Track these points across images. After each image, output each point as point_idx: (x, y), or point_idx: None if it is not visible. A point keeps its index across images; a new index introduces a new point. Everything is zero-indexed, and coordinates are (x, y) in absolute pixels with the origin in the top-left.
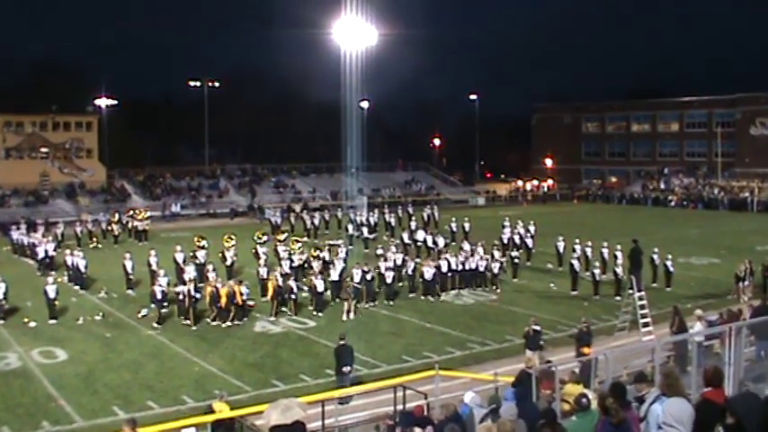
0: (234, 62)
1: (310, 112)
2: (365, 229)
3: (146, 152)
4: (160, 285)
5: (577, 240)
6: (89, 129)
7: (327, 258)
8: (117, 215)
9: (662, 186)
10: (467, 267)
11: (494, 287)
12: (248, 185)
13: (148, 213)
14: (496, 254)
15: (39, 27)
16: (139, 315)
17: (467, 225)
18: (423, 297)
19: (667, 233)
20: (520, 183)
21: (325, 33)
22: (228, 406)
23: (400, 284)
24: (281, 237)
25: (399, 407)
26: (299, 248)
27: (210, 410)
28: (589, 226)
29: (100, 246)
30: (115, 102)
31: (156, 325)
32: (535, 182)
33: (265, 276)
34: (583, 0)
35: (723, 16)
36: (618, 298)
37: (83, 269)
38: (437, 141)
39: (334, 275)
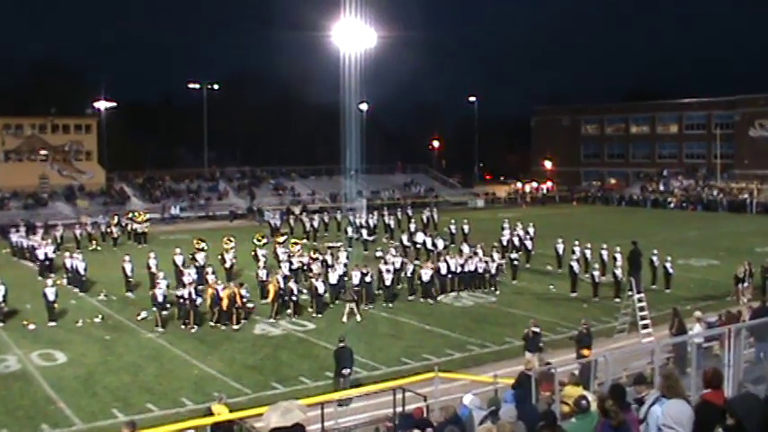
0: (233, 64)
1: (310, 115)
2: (364, 232)
3: (145, 154)
4: (160, 288)
5: (577, 242)
6: (88, 131)
7: (330, 262)
8: (116, 218)
9: (661, 188)
10: (466, 269)
11: (492, 289)
12: (247, 188)
13: (148, 216)
14: (495, 256)
15: (39, 27)
16: (139, 318)
17: (466, 227)
18: (422, 299)
19: (667, 235)
20: (519, 185)
21: (324, 35)
22: (228, 408)
23: (399, 287)
24: (281, 239)
25: (399, 409)
26: (298, 251)
27: (210, 413)
28: (588, 228)
29: (99, 248)
30: (114, 104)
31: (160, 329)
32: (534, 184)
33: (265, 279)
34: (583, 0)
35: (723, 16)
36: (617, 300)
37: (82, 272)
38: (436, 143)
39: (333, 278)
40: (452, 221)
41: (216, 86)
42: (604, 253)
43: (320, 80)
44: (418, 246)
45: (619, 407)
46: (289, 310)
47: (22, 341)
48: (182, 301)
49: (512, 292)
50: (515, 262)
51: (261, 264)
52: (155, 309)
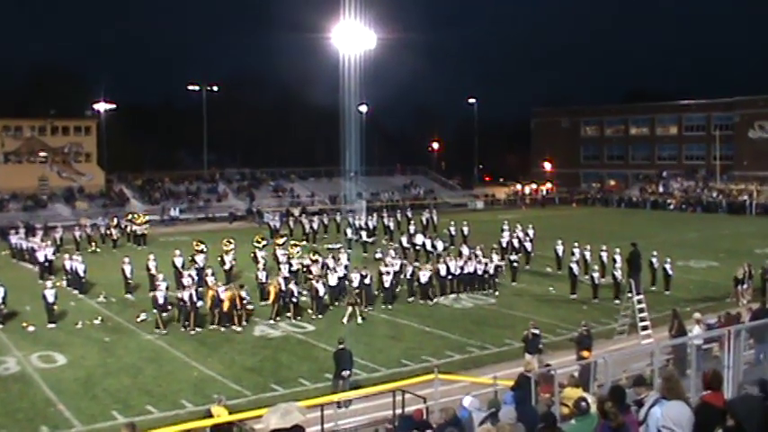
0: (233, 66)
1: (309, 116)
2: (364, 233)
3: (145, 156)
4: (161, 290)
5: (576, 244)
6: (88, 133)
7: (331, 264)
8: (116, 219)
9: (661, 190)
10: (466, 271)
11: (491, 290)
12: (247, 189)
13: (147, 218)
14: (495, 257)
15: (38, 28)
16: (138, 319)
17: (465, 229)
18: (421, 301)
19: (666, 236)
20: (519, 186)
21: (324, 37)
22: (227, 410)
23: (398, 288)
24: (280, 241)
25: (398, 411)
26: (298, 253)
27: (209, 415)
28: (588, 229)
29: (99, 250)
30: (114, 106)
31: (162, 331)
32: (534, 185)
33: (264, 280)
34: (583, 0)
35: (723, 17)
36: (617, 301)
37: (82, 273)
38: (436, 145)
39: (333, 281)
40: (452, 223)
41: (215, 88)
42: (604, 254)
43: (320, 82)
44: (418, 247)
45: (618, 408)
46: (289, 313)
47: (22, 343)
48: (182, 303)
49: (511, 293)
50: (515, 263)
51: (260, 266)
52: (155, 311)
